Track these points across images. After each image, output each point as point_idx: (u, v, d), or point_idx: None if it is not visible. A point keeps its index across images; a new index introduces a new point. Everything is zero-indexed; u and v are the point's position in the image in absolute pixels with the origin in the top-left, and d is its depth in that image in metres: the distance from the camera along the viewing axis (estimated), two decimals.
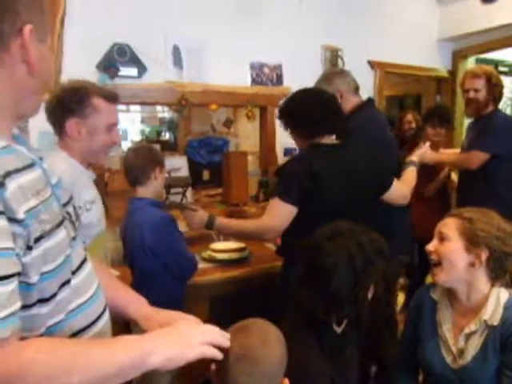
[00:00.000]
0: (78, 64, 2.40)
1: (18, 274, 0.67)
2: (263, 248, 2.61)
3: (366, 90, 3.50)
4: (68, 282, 0.80)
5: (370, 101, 2.28)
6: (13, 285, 0.66)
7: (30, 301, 0.71)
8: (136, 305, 1.06)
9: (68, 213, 0.86)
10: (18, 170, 0.71)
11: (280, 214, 1.65)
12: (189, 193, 2.81)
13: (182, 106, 2.70)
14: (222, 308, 2.18)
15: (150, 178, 1.86)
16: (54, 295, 0.76)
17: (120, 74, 2.52)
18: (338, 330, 1.29)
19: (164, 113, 5.23)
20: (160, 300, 1.86)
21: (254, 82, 3.01)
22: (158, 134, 5.01)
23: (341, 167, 1.70)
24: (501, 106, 2.74)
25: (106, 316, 0.93)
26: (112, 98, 1.49)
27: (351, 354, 1.35)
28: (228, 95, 2.86)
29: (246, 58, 2.99)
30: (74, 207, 0.88)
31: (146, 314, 1.04)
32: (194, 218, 1.83)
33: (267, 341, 0.90)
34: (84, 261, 0.89)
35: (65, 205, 0.86)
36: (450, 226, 1.35)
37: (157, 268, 1.81)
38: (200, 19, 2.77)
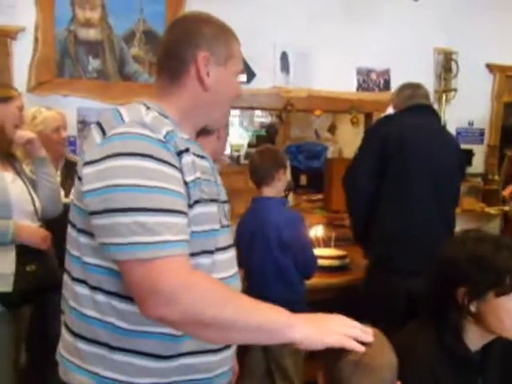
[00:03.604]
0: None
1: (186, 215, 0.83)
2: (364, 257, 2.55)
3: (483, 96, 3.26)
4: (210, 252, 0.91)
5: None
6: (186, 220, 0.82)
7: None
8: None
9: (224, 209, 1.00)
10: (194, 154, 0.90)
11: None
12: (290, 197, 2.83)
13: (287, 112, 2.74)
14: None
15: (274, 179, 1.95)
16: (194, 254, 0.85)
17: None
18: (473, 345, 1.21)
19: (261, 117, 5.35)
20: (290, 297, 1.90)
21: (360, 87, 2.95)
22: (258, 138, 5.12)
23: None
24: None
25: None
26: None
27: None
28: (332, 100, 2.84)
29: (353, 62, 2.94)
30: None
31: None
32: None
33: (384, 348, 0.87)
34: (230, 246, 1.00)
35: (224, 202, 1.01)
36: None
37: (290, 265, 1.88)
38: (308, 24, 2.79)
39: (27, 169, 1.80)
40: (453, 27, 3.10)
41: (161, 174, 0.79)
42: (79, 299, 0.87)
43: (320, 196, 3.19)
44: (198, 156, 0.92)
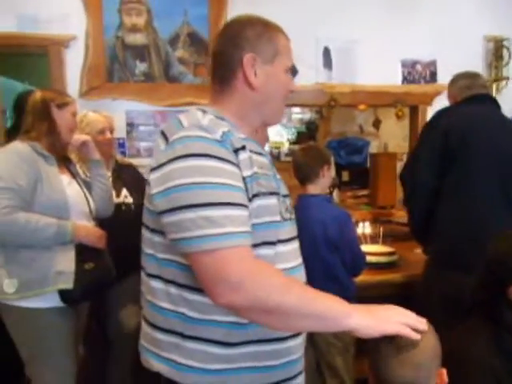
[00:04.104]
0: None
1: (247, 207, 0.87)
2: (414, 254, 2.49)
3: None
4: (272, 243, 0.94)
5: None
6: (247, 212, 0.86)
7: None
8: None
9: (285, 202, 1.02)
10: (251, 151, 0.94)
11: None
12: (335, 194, 2.81)
13: (330, 107, 2.71)
14: None
15: (319, 176, 1.94)
16: (256, 246, 0.89)
17: None
18: None
19: (300, 114, 5.32)
20: (340, 296, 1.90)
21: (405, 80, 2.88)
22: (299, 134, 5.10)
23: None
24: None
25: None
26: None
27: None
28: (377, 95, 2.79)
29: (398, 55, 2.86)
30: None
31: None
32: None
33: (424, 334, 0.85)
34: (293, 238, 1.04)
35: (284, 196, 1.03)
36: None
37: (338, 263, 1.88)
38: (350, 18, 2.75)
39: (80, 171, 1.88)
40: (502, 12, 2.96)
41: (220, 170, 0.85)
42: (155, 293, 0.95)
43: (365, 192, 3.14)
44: (256, 153, 0.96)
